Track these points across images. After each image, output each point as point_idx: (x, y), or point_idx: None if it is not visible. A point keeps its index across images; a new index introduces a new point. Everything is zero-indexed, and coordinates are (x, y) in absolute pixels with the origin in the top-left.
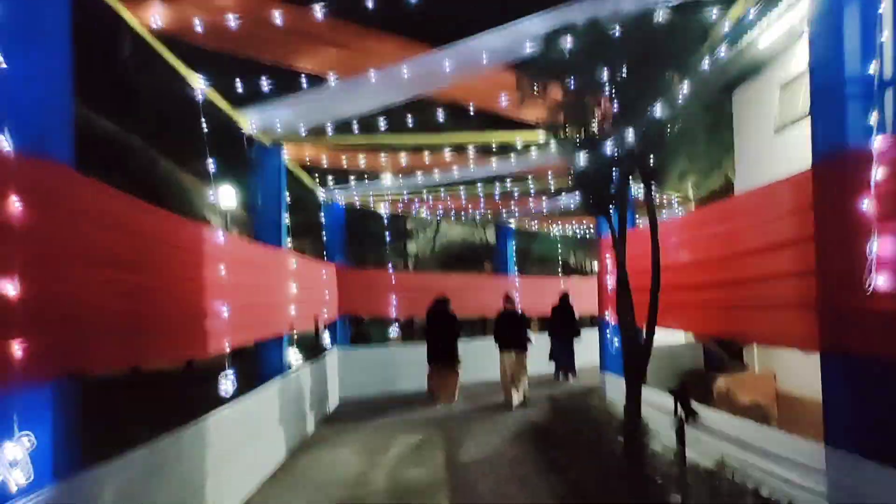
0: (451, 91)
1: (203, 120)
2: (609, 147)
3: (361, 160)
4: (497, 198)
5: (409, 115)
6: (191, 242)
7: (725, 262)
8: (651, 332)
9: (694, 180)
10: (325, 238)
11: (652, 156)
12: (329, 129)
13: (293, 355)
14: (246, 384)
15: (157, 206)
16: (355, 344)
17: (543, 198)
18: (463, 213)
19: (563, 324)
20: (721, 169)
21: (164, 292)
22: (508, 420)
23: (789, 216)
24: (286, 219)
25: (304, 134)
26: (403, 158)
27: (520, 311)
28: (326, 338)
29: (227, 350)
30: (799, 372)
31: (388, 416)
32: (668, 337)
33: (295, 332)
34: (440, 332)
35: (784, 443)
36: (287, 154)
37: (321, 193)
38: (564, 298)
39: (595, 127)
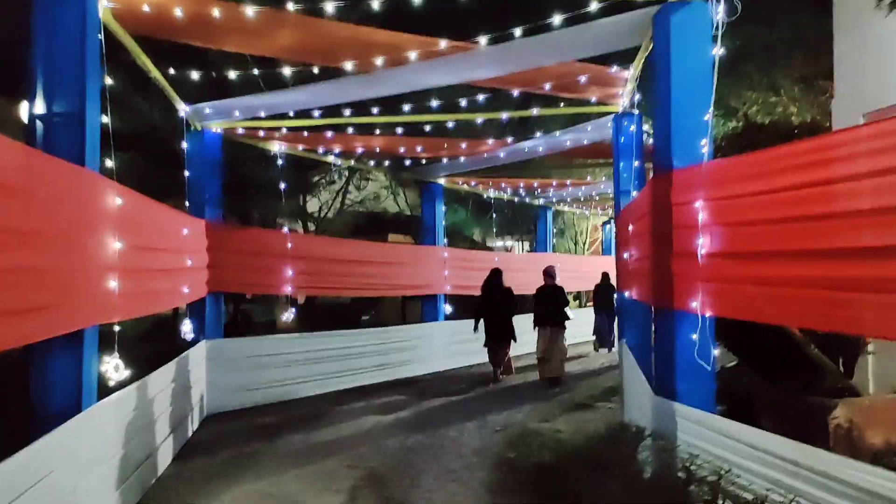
0: None
1: None
2: None
3: (249, 13)
4: (449, 129)
5: None
6: None
7: (827, 224)
8: None
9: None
10: (188, 180)
11: None
12: None
13: (112, 366)
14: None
15: None
16: (233, 334)
17: (510, 139)
18: (389, 159)
19: (606, 302)
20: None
21: None
22: (487, 456)
23: None
24: (99, 120)
25: None
26: (324, 29)
27: (559, 287)
28: (188, 326)
29: None
30: None
31: (281, 441)
32: None
33: (116, 323)
34: (494, 307)
35: None
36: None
37: (184, 110)
38: (606, 277)
39: None
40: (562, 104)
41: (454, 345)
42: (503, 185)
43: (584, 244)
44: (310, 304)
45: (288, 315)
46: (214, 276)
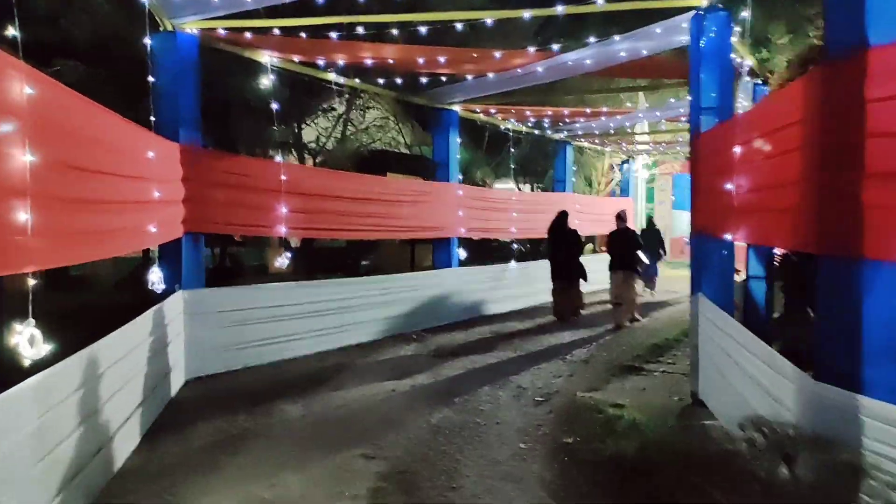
0: None
1: None
2: None
3: None
4: (487, 26)
5: None
6: None
7: None
8: None
9: None
10: (155, 92)
11: None
12: None
13: (25, 339)
14: None
15: None
16: (222, 282)
17: (555, 46)
18: (401, 76)
19: (651, 244)
20: None
21: None
22: (538, 441)
23: None
24: None
25: None
26: None
27: (631, 230)
28: (156, 275)
29: None
30: None
31: (276, 416)
32: None
33: (32, 276)
34: (561, 248)
35: None
36: None
37: None
38: (650, 222)
39: None
40: None
41: (469, 294)
42: (527, 113)
43: (599, 185)
44: (306, 248)
45: (282, 260)
46: (192, 212)
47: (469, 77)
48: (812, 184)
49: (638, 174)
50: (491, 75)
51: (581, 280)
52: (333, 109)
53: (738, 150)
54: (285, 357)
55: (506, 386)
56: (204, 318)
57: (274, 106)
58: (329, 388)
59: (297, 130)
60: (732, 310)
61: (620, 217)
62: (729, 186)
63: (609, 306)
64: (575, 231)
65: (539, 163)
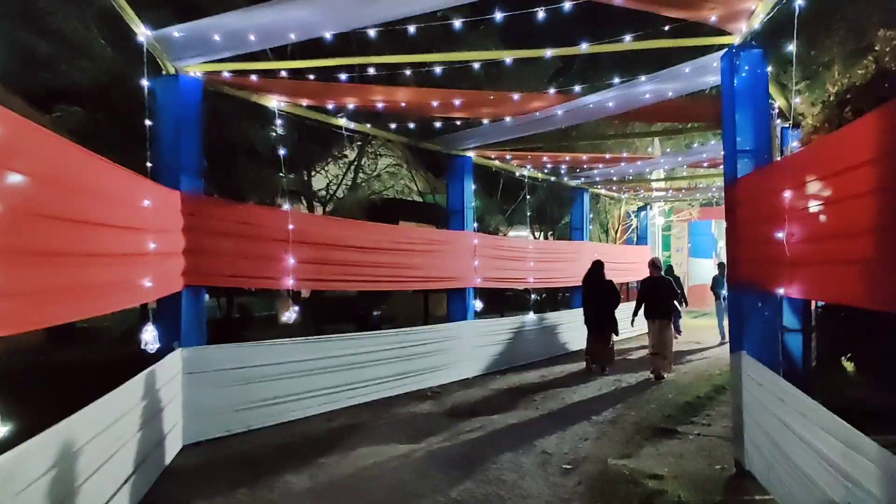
0: None
1: None
2: None
3: None
4: (507, 66)
5: None
6: None
7: None
8: None
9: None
10: (155, 138)
11: None
12: None
13: None
14: None
15: None
16: (229, 332)
17: (577, 88)
18: (415, 121)
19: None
20: None
21: None
22: None
23: None
24: None
25: None
26: None
27: (666, 278)
28: (150, 334)
29: None
30: None
31: (279, 489)
32: None
33: None
34: (595, 298)
35: None
36: None
37: (144, 35)
38: (670, 271)
39: None
40: (667, 27)
41: (486, 347)
42: (544, 159)
43: (615, 232)
44: (316, 298)
45: (290, 314)
46: (193, 264)
47: (485, 121)
48: (893, 232)
49: (654, 221)
50: (508, 119)
51: (613, 334)
52: (344, 156)
53: (788, 195)
54: (292, 418)
55: (529, 451)
56: (204, 377)
57: (282, 152)
58: (337, 454)
59: (306, 178)
60: (779, 369)
61: (654, 265)
62: (778, 236)
63: (631, 357)
64: (611, 282)
65: (554, 210)
